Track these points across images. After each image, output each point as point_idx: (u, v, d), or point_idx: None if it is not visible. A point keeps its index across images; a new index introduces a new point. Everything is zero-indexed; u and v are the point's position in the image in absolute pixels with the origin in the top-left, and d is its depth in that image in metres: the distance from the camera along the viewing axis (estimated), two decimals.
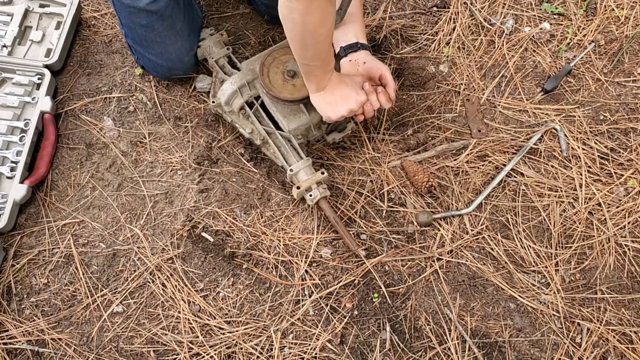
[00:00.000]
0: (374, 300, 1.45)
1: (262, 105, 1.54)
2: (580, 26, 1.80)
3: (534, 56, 1.76)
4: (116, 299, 1.44)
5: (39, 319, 1.42)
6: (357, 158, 1.61)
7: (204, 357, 1.38)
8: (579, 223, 1.53)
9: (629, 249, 1.51)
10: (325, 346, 1.40)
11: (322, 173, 1.45)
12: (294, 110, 1.47)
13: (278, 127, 1.51)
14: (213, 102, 1.55)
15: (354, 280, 1.46)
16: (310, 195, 1.44)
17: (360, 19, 1.48)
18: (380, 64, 1.43)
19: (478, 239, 1.52)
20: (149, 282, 1.46)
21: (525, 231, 1.53)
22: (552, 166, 1.60)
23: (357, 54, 1.45)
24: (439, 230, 1.53)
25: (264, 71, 1.44)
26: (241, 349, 1.39)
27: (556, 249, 1.51)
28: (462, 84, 1.71)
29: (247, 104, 1.53)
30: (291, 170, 1.45)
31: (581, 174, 1.58)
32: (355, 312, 1.44)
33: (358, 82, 1.39)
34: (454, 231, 1.52)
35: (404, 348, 1.40)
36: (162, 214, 1.54)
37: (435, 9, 1.82)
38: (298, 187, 1.43)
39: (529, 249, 1.51)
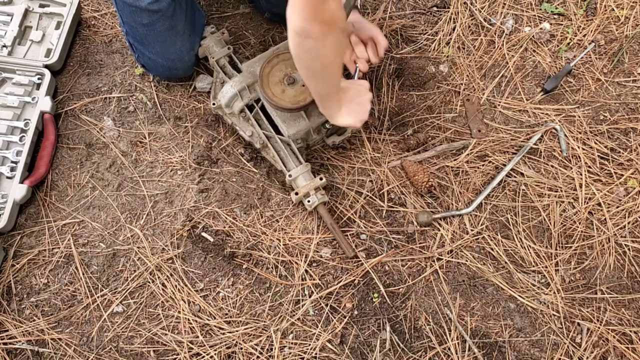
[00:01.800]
0: (374, 300, 1.45)
1: (262, 109, 1.54)
2: (580, 26, 1.80)
3: (534, 56, 1.76)
4: (116, 299, 1.44)
5: (39, 319, 1.42)
6: (357, 158, 1.61)
7: (204, 357, 1.38)
8: (579, 223, 1.53)
9: (629, 249, 1.51)
10: (325, 346, 1.40)
11: (321, 179, 1.45)
12: (293, 115, 1.46)
13: (278, 131, 1.51)
14: (213, 104, 1.55)
15: (354, 280, 1.46)
16: (309, 201, 1.44)
17: None
18: (369, 26, 1.47)
19: (478, 239, 1.52)
20: (149, 282, 1.46)
21: (525, 231, 1.53)
22: (552, 166, 1.60)
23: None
24: (439, 230, 1.53)
25: (263, 80, 1.42)
26: (241, 349, 1.39)
27: (556, 249, 1.51)
28: (462, 84, 1.71)
29: (247, 107, 1.53)
30: (290, 175, 1.45)
31: (581, 174, 1.58)
32: (355, 312, 1.44)
33: (360, 85, 1.40)
34: (454, 231, 1.52)
35: (404, 348, 1.40)
36: (162, 214, 1.54)
37: (435, 9, 1.82)
38: (297, 193, 1.44)
39: (529, 249, 1.51)
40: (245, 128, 1.53)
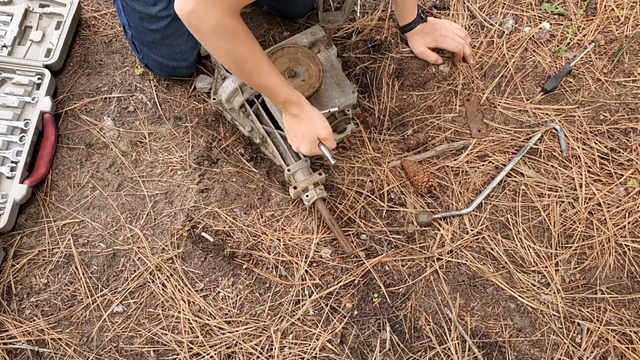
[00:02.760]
0: (374, 300, 1.45)
1: (263, 104, 1.54)
2: (580, 26, 1.80)
3: (534, 56, 1.76)
4: (116, 299, 1.44)
5: (39, 319, 1.42)
6: (357, 158, 1.61)
7: (204, 357, 1.38)
8: (579, 223, 1.53)
9: (629, 249, 1.51)
10: (325, 346, 1.40)
11: (320, 174, 1.45)
12: None
13: (278, 127, 1.52)
14: (214, 99, 1.55)
15: (354, 280, 1.46)
16: (307, 196, 1.44)
17: None
18: (437, 36, 1.65)
19: (478, 239, 1.52)
20: (149, 282, 1.46)
21: (525, 231, 1.53)
22: (552, 166, 1.60)
23: (413, 32, 1.68)
24: (439, 230, 1.53)
25: None
26: (241, 349, 1.39)
27: (556, 249, 1.51)
28: (462, 83, 1.71)
29: (247, 102, 1.53)
30: (289, 170, 1.45)
31: (581, 174, 1.58)
32: (355, 312, 1.44)
33: (314, 134, 1.33)
34: (454, 231, 1.52)
35: (404, 348, 1.40)
36: (162, 214, 1.54)
37: (435, 9, 1.82)
38: (295, 187, 1.44)
39: (529, 249, 1.51)
40: (245, 123, 1.53)
